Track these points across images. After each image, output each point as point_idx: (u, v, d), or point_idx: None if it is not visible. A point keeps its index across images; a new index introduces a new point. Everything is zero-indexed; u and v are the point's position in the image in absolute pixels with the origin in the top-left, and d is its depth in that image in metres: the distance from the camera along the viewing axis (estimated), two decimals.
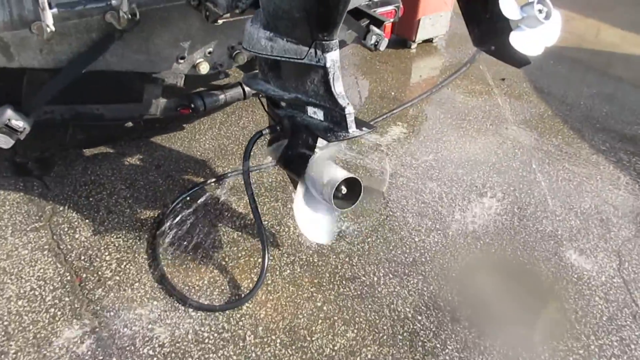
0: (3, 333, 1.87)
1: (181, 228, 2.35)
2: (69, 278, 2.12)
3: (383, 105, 3.62)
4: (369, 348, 1.95)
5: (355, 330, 2.01)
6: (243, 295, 2.10)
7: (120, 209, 2.49)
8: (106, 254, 2.25)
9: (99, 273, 2.15)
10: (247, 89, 2.71)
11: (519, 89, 4.03)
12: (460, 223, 2.59)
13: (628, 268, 2.39)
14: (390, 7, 2.68)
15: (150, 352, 1.86)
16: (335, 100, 1.56)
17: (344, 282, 2.21)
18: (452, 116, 3.56)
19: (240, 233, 2.41)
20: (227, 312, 2.03)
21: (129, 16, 1.91)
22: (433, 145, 3.20)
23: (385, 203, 2.67)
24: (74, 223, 2.39)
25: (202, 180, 2.72)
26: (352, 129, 1.58)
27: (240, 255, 2.29)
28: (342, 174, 1.74)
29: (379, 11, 2.58)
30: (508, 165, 3.07)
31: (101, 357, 1.83)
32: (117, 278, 2.14)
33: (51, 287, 2.07)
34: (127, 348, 1.87)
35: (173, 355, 1.86)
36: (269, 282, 2.18)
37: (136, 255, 2.25)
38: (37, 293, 2.04)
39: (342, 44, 2.65)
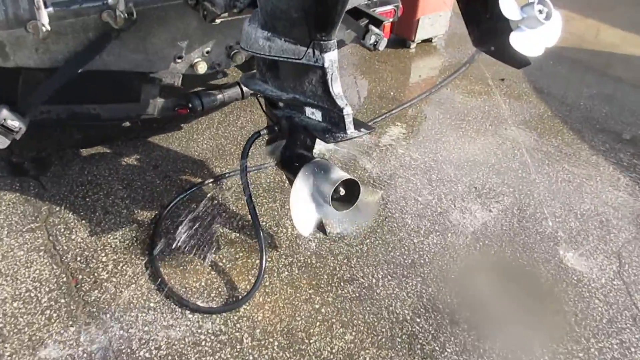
0: None
1: (178, 229, 2.34)
2: (65, 279, 2.10)
3: (382, 105, 3.60)
4: (367, 351, 1.93)
5: (354, 333, 2.00)
6: (240, 297, 2.08)
7: (117, 209, 2.47)
8: (103, 255, 2.23)
9: (96, 274, 2.14)
10: (245, 88, 2.70)
11: (518, 89, 4.01)
12: (460, 224, 2.57)
13: (628, 270, 2.38)
14: (389, 7, 2.68)
15: (147, 355, 1.85)
16: (333, 101, 1.55)
17: (342, 284, 2.20)
18: (451, 116, 3.55)
19: (237, 234, 2.39)
20: (224, 314, 2.02)
21: (126, 15, 1.89)
22: (432, 146, 3.19)
23: (384, 204, 2.65)
24: (71, 224, 2.37)
25: (199, 180, 2.71)
26: (351, 130, 1.57)
27: (237, 256, 2.28)
28: (341, 175, 1.73)
29: (378, 11, 2.58)
30: (507, 166, 3.05)
31: None
32: (114, 279, 2.12)
33: (47, 289, 2.06)
34: (124, 351, 1.85)
35: (170, 357, 1.85)
36: (267, 283, 2.16)
37: (133, 256, 2.23)
38: (32, 295, 2.03)
39: (340, 44, 2.64)
